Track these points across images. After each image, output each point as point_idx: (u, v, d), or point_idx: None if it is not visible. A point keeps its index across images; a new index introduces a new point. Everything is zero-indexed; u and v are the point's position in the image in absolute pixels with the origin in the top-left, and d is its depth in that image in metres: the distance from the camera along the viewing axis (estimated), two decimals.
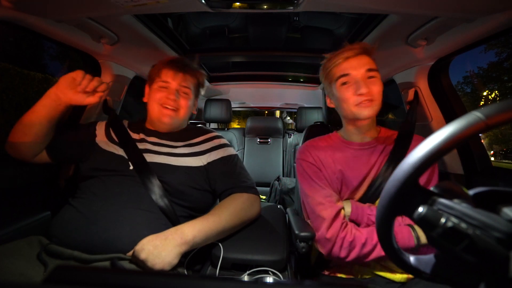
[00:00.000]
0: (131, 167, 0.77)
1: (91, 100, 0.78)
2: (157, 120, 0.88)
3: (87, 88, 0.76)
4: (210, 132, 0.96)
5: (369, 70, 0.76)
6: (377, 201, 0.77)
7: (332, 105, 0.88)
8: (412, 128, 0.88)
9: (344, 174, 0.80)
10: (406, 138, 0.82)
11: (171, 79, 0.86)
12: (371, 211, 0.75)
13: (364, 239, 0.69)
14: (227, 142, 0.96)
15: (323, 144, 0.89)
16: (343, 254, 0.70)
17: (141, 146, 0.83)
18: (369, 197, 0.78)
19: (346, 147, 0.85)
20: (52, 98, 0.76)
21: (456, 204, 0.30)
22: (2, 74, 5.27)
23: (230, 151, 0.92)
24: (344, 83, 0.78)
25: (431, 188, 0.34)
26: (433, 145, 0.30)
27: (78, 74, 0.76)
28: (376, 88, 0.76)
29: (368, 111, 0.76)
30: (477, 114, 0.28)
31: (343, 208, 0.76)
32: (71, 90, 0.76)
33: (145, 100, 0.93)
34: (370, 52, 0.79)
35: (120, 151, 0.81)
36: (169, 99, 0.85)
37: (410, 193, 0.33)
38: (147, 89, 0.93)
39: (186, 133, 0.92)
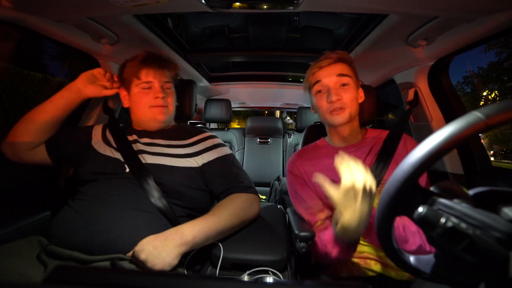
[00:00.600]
0: (127, 170, 0.77)
1: (108, 92, 0.91)
2: (150, 120, 0.87)
3: (106, 82, 0.90)
4: (204, 132, 0.94)
5: (341, 75, 0.79)
6: (376, 202, 0.77)
7: (314, 112, 0.90)
8: (402, 128, 0.90)
9: (333, 180, 0.79)
10: (395, 137, 0.84)
11: (152, 78, 0.85)
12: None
13: (329, 238, 0.71)
14: (222, 142, 0.94)
15: (310, 154, 0.90)
16: (320, 257, 0.75)
17: (134, 147, 0.83)
18: None
19: (332, 152, 0.86)
20: (73, 91, 0.86)
21: (456, 204, 0.30)
22: (2, 74, 5.27)
23: (225, 150, 0.91)
24: (318, 91, 0.82)
25: (431, 188, 0.34)
26: (433, 145, 0.30)
27: (98, 71, 0.90)
28: (348, 96, 0.79)
29: (339, 118, 0.79)
30: (477, 114, 0.28)
31: (326, 217, 0.79)
32: (91, 84, 0.88)
33: (126, 105, 0.91)
34: (347, 60, 0.82)
35: (116, 154, 0.81)
36: (158, 98, 0.85)
37: (410, 193, 0.33)
38: (123, 93, 0.90)
39: (180, 133, 0.91)
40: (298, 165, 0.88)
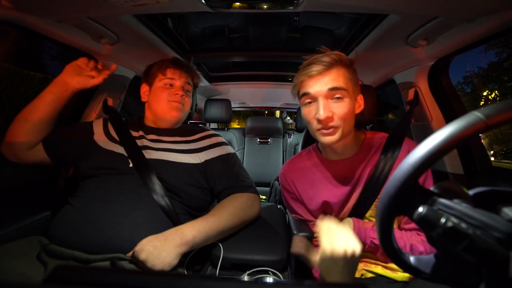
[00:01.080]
0: (131, 165, 0.77)
1: (95, 81, 0.87)
2: (165, 115, 0.89)
3: (91, 71, 0.87)
4: (207, 130, 0.97)
5: (333, 89, 0.64)
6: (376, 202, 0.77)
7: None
8: (404, 132, 0.81)
9: (327, 194, 0.75)
10: (396, 141, 0.74)
11: (177, 77, 0.91)
12: (374, 233, 0.67)
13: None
14: (224, 141, 0.96)
15: (301, 166, 0.82)
16: None
17: (139, 143, 0.83)
18: (358, 211, 0.73)
19: (325, 165, 0.78)
20: (60, 85, 0.83)
21: (456, 204, 0.30)
22: (2, 74, 5.27)
23: (228, 149, 0.92)
24: (307, 103, 0.68)
25: (431, 188, 0.34)
26: (433, 145, 0.30)
27: (82, 61, 0.87)
28: (341, 111, 0.65)
29: (329, 139, 0.67)
30: (477, 114, 0.28)
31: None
32: (77, 75, 0.85)
33: (144, 99, 0.94)
34: (343, 62, 0.67)
35: (119, 149, 0.81)
36: (177, 94, 0.89)
37: (410, 193, 0.33)
38: (145, 88, 0.94)
39: (184, 130, 0.93)
40: (289, 181, 0.82)
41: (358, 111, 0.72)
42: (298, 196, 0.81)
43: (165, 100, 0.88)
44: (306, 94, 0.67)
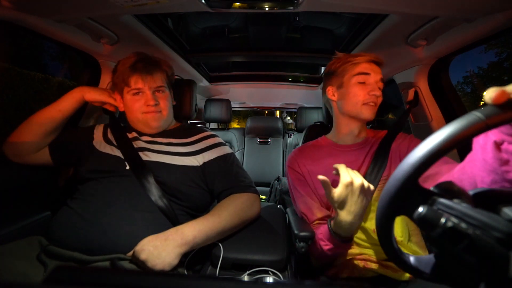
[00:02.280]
0: (128, 167, 0.77)
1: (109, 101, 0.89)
2: (144, 127, 0.87)
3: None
4: (204, 131, 0.95)
5: (382, 80, 0.83)
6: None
7: (333, 97, 0.89)
8: (399, 129, 0.90)
9: (333, 178, 0.80)
10: (390, 137, 0.85)
11: (142, 85, 0.83)
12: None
13: (323, 233, 0.73)
14: (222, 141, 0.94)
15: (312, 150, 0.91)
16: (314, 253, 0.78)
17: (135, 144, 0.83)
18: None
19: (335, 150, 0.88)
20: (76, 95, 0.86)
21: (456, 204, 0.30)
22: (2, 74, 5.28)
23: (226, 149, 0.91)
24: (361, 82, 0.82)
25: (431, 188, 0.34)
26: (433, 145, 0.30)
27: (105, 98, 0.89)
28: (381, 98, 0.83)
29: (371, 113, 0.82)
30: (477, 114, 0.28)
31: (323, 216, 0.80)
32: (94, 91, 0.89)
33: (121, 109, 0.90)
34: (382, 66, 0.85)
35: (116, 152, 0.81)
36: (149, 105, 0.83)
37: (410, 193, 0.33)
38: (117, 97, 0.89)
39: (180, 131, 0.92)
40: (299, 162, 0.88)
41: None
42: (308, 177, 0.86)
43: (138, 112, 0.84)
44: (365, 74, 0.82)
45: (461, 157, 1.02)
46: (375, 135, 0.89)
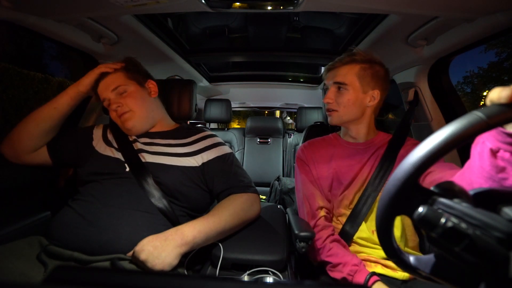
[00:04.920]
0: (128, 169, 0.77)
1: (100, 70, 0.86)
2: (126, 131, 0.86)
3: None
4: (203, 131, 0.94)
5: (336, 83, 0.83)
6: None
7: None
8: (406, 132, 0.91)
9: (338, 171, 0.86)
10: (398, 141, 0.86)
11: (105, 94, 0.84)
12: None
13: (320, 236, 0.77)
14: (221, 141, 0.94)
15: (321, 143, 0.95)
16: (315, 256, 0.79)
17: (134, 146, 0.83)
18: (364, 201, 0.80)
19: (342, 145, 0.91)
20: (72, 91, 0.84)
21: (456, 204, 0.30)
22: (2, 74, 5.27)
23: (225, 149, 0.90)
24: (326, 89, 0.88)
25: (432, 188, 0.34)
26: (433, 144, 0.30)
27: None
28: (342, 99, 0.82)
29: (330, 119, 0.87)
30: (478, 114, 0.28)
31: (324, 206, 0.84)
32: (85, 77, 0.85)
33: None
34: (356, 61, 0.82)
35: (116, 154, 0.81)
36: (116, 111, 0.83)
37: (411, 192, 0.33)
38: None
39: (179, 132, 0.91)
40: (307, 154, 0.92)
41: (371, 103, 0.85)
42: (311, 163, 0.90)
43: (115, 119, 0.85)
44: (324, 83, 0.92)
45: (461, 157, 1.02)
46: (384, 138, 0.89)
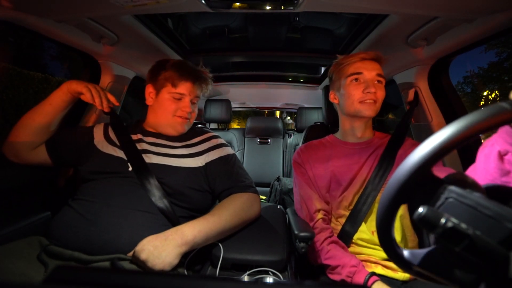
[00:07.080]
0: (130, 168, 0.77)
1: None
2: (169, 128, 0.88)
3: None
4: (207, 132, 0.96)
5: (379, 75, 0.83)
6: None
7: (335, 101, 0.92)
8: (405, 132, 0.91)
9: (336, 171, 0.86)
10: (397, 141, 0.86)
11: (187, 92, 0.86)
12: None
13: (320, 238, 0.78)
14: (224, 142, 0.95)
15: (318, 145, 0.95)
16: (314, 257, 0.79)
17: (138, 146, 0.83)
18: (364, 200, 0.80)
19: (340, 146, 0.91)
20: (67, 89, 0.80)
21: (468, 193, 0.29)
22: (2, 74, 5.27)
23: (228, 150, 0.92)
24: (355, 80, 0.84)
25: (444, 178, 0.33)
26: (456, 129, 0.29)
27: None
28: (381, 93, 0.83)
29: (370, 110, 0.82)
30: (504, 105, 0.28)
31: (322, 208, 0.84)
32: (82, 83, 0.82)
33: (149, 103, 0.89)
34: (381, 61, 0.86)
35: (119, 153, 0.81)
36: (185, 111, 0.86)
37: (422, 180, 0.31)
38: (150, 90, 0.88)
39: (183, 134, 0.92)
40: (303, 157, 0.92)
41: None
42: (308, 165, 0.90)
43: (170, 114, 0.86)
44: (358, 73, 0.84)
45: (461, 157, 1.02)
46: (382, 138, 0.90)
